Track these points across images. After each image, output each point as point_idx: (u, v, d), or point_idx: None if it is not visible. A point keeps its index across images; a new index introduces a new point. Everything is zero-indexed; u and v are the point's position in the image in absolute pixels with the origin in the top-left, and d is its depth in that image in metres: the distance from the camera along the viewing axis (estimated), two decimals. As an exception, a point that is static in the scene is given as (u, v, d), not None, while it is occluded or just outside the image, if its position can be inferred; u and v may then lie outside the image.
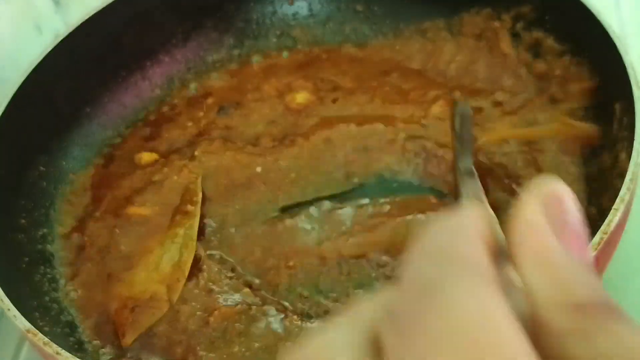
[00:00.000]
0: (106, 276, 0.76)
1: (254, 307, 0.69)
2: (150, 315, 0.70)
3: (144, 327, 0.70)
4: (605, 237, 0.57)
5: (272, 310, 0.69)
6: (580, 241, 0.28)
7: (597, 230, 0.57)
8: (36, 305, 0.70)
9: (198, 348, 0.67)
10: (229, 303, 0.70)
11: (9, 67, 0.93)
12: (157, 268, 0.74)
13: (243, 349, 0.67)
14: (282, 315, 0.68)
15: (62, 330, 0.70)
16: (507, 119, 0.82)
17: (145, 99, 0.96)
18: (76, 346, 0.69)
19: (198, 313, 0.70)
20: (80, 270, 0.77)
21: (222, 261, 0.74)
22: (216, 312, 0.69)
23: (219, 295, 0.71)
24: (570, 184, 0.72)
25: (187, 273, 0.72)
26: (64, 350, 0.58)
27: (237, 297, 0.70)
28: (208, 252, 0.74)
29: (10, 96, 0.79)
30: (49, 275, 0.76)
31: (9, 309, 0.62)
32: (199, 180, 0.81)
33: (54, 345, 0.59)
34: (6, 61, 0.94)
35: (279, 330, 0.68)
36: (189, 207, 0.78)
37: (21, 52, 0.95)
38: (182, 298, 0.71)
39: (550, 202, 0.28)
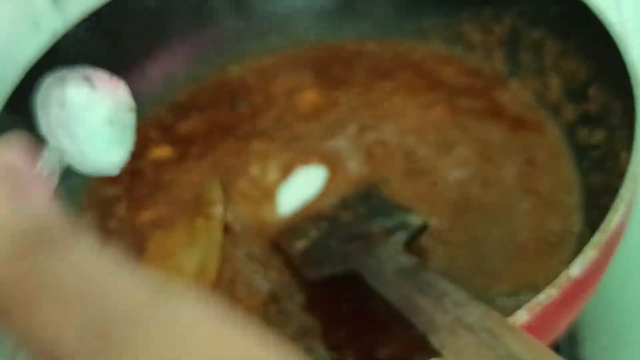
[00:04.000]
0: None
1: (279, 298, 0.70)
2: None
3: None
4: (607, 236, 0.57)
5: (298, 297, 0.69)
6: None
7: (599, 230, 0.57)
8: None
9: None
10: (253, 295, 0.70)
11: (6, 65, 0.93)
12: (180, 272, 0.74)
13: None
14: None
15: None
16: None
17: (144, 98, 0.96)
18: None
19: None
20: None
21: (247, 255, 0.74)
22: (240, 305, 0.69)
23: (243, 287, 0.71)
24: (568, 184, 0.74)
25: (213, 279, 0.72)
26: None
27: (262, 288, 0.71)
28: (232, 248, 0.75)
29: (8, 95, 0.80)
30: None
31: (6, 308, 0.62)
32: (217, 182, 0.81)
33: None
34: (3, 59, 0.94)
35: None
36: (211, 210, 0.78)
37: (19, 50, 0.95)
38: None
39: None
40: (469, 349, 0.49)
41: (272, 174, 0.82)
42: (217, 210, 0.78)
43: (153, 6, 0.95)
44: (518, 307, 0.64)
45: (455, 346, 0.50)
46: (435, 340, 0.51)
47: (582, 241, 0.68)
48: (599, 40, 0.73)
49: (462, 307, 0.53)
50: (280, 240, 0.74)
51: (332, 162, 0.82)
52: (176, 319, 0.34)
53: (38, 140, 0.83)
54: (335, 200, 0.76)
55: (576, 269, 0.54)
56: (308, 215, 0.75)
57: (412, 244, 0.68)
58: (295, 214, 0.77)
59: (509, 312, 0.66)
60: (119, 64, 0.95)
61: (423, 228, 0.68)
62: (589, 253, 0.55)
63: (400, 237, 0.66)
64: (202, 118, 0.92)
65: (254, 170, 0.83)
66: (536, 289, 0.67)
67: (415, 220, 0.68)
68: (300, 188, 0.79)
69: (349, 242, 0.69)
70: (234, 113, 0.92)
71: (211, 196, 0.80)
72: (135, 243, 0.78)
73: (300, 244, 0.72)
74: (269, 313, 0.69)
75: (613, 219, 0.58)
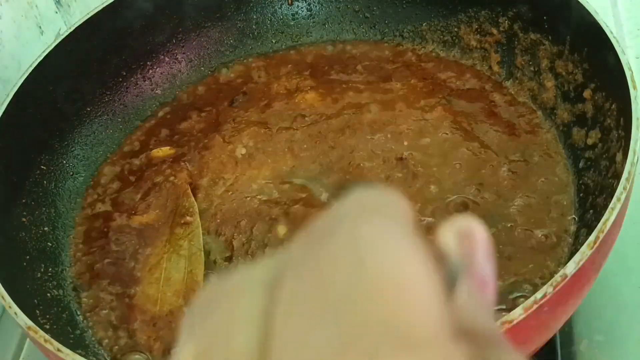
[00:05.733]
0: (113, 281, 0.77)
1: None
2: (172, 329, 0.71)
3: (169, 339, 0.70)
4: (602, 236, 0.57)
5: None
6: (482, 283, 0.29)
7: (594, 230, 0.58)
8: (37, 303, 0.71)
9: None
10: None
11: (11, 67, 0.94)
12: (169, 282, 0.74)
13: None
14: None
15: (63, 328, 0.70)
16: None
17: (146, 98, 0.96)
18: (77, 343, 0.70)
19: None
20: (86, 272, 0.78)
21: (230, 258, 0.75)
22: None
23: None
24: (563, 184, 0.74)
25: (201, 282, 0.73)
26: (64, 347, 0.58)
27: None
28: (219, 255, 0.75)
29: (12, 95, 0.80)
30: (50, 273, 0.76)
31: (10, 307, 0.62)
32: (189, 191, 0.82)
33: (55, 342, 0.59)
34: (8, 61, 0.94)
35: None
36: (188, 219, 0.79)
37: (23, 52, 0.96)
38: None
39: (463, 235, 0.29)
40: None
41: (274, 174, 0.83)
42: (195, 217, 0.79)
43: (154, 9, 0.95)
44: (514, 305, 0.65)
45: None
46: None
47: (578, 241, 0.69)
48: (594, 42, 0.73)
49: None
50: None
51: (331, 162, 0.82)
52: None
53: (37, 142, 0.84)
54: (331, 193, 0.77)
55: (572, 268, 0.55)
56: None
57: None
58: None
59: (505, 310, 0.67)
60: (121, 65, 0.97)
61: None
62: (585, 252, 0.56)
63: None
64: (202, 118, 0.92)
65: (256, 170, 0.84)
66: (532, 288, 0.68)
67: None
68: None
69: None
70: (234, 113, 0.92)
71: (186, 206, 0.81)
72: (135, 242, 0.79)
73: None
74: None
75: (609, 219, 0.58)
